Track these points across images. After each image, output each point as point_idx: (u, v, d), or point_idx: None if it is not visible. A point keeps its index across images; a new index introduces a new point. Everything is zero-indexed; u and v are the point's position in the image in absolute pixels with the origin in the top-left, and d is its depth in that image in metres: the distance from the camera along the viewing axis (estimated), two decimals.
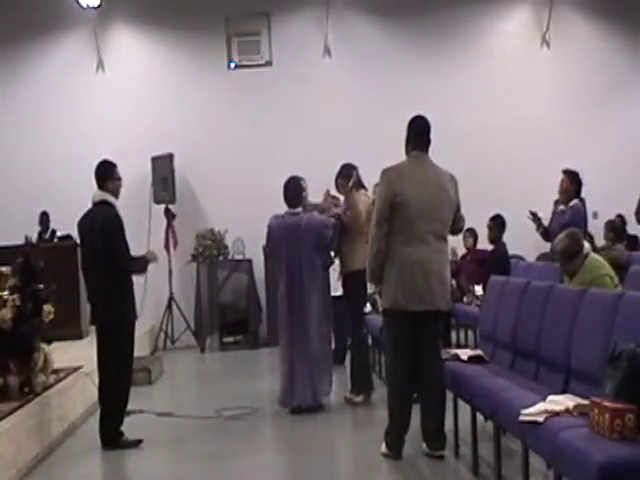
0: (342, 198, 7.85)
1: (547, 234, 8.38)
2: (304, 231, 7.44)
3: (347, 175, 7.78)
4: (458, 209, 5.82)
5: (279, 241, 7.52)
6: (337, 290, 8.31)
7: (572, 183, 8.05)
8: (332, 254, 7.77)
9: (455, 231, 5.97)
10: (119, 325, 6.47)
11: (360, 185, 7.82)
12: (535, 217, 8.33)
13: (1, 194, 12.67)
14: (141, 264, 6.77)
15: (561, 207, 8.19)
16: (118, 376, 6.46)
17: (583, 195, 8.21)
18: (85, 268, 6.80)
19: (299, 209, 7.57)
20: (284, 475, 6.13)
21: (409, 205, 5.58)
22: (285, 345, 7.51)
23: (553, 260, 8.21)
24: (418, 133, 5.78)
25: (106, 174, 6.62)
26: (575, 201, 8.03)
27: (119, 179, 6.68)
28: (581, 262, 6.06)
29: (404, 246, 5.60)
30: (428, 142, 5.79)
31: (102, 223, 6.44)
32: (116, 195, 6.64)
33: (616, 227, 10.89)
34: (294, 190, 7.61)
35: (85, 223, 6.61)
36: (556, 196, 8.48)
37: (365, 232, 7.43)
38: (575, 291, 4.98)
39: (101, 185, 6.62)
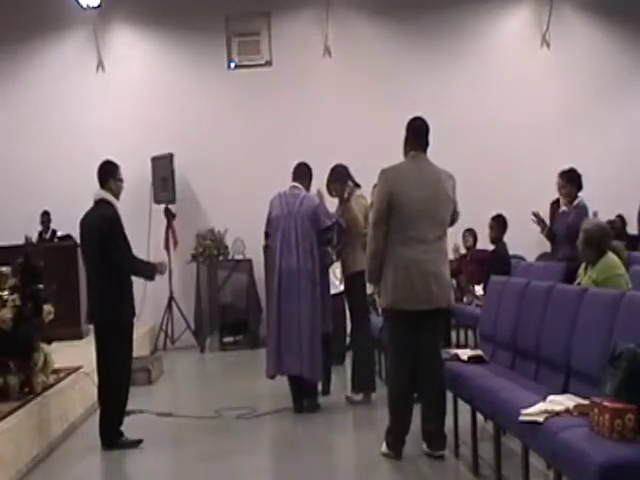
0: (335, 201, 7.85)
1: (552, 235, 8.32)
2: (300, 204, 7.44)
3: (339, 179, 7.76)
4: (455, 207, 5.82)
5: (277, 214, 7.48)
6: (336, 288, 8.31)
7: (571, 183, 8.01)
8: (333, 256, 7.76)
9: (450, 224, 5.94)
10: (117, 324, 6.45)
11: (355, 184, 7.81)
12: (539, 218, 8.27)
13: (1, 194, 12.67)
14: (149, 270, 6.77)
15: (563, 208, 8.16)
16: (117, 376, 6.46)
17: (584, 195, 8.18)
18: (85, 267, 6.81)
19: (301, 186, 7.59)
20: (284, 475, 6.12)
21: (407, 205, 5.59)
22: (274, 321, 7.41)
23: (559, 260, 8.18)
24: (417, 134, 5.79)
25: (109, 174, 6.64)
26: (578, 200, 7.99)
27: (121, 180, 6.70)
28: (597, 255, 6.06)
29: (402, 246, 5.60)
30: (426, 143, 5.80)
31: (100, 222, 6.44)
32: (117, 195, 6.64)
33: (616, 227, 10.89)
34: (303, 169, 7.71)
35: (85, 222, 6.63)
36: (554, 196, 8.44)
37: (365, 233, 7.45)
38: (575, 291, 4.98)
39: (103, 184, 6.63)
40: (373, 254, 5.70)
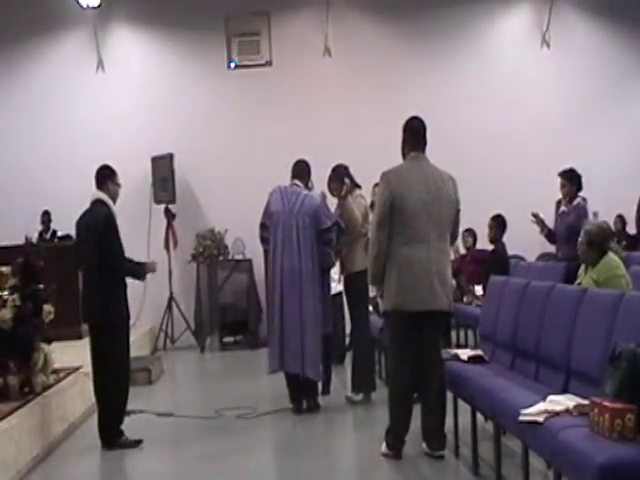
0: (335, 201, 7.85)
1: (552, 236, 8.33)
2: (301, 203, 7.40)
3: (340, 179, 7.76)
4: (458, 210, 5.81)
5: (277, 209, 7.42)
6: (333, 288, 8.30)
7: (571, 183, 8.03)
8: (332, 256, 7.74)
9: (452, 237, 5.89)
10: (110, 324, 6.43)
11: (354, 185, 7.80)
12: (538, 219, 8.29)
13: (1, 194, 12.67)
14: (139, 270, 6.77)
15: (563, 208, 8.17)
16: (113, 375, 6.45)
17: (584, 195, 8.20)
18: (79, 266, 6.81)
19: (301, 184, 7.56)
20: (284, 475, 6.12)
21: (409, 206, 5.59)
22: (277, 319, 7.38)
23: (558, 260, 8.20)
24: (415, 134, 5.80)
25: (106, 176, 6.68)
26: (578, 200, 8.00)
27: (119, 185, 6.75)
28: (598, 256, 6.06)
29: (404, 247, 5.60)
30: (425, 143, 5.80)
31: (95, 222, 6.47)
32: (114, 199, 6.67)
33: (616, 228, 10.91)
34: (302, 166, 7.65)
35: (81, 222, 6.65)
36: (557, 196, 8.46)
37: (364, 233, 7.46)
38: (575, 291, 4.98)
39: (100, 186, 6.65)
40: (376, 256, 5.70)
